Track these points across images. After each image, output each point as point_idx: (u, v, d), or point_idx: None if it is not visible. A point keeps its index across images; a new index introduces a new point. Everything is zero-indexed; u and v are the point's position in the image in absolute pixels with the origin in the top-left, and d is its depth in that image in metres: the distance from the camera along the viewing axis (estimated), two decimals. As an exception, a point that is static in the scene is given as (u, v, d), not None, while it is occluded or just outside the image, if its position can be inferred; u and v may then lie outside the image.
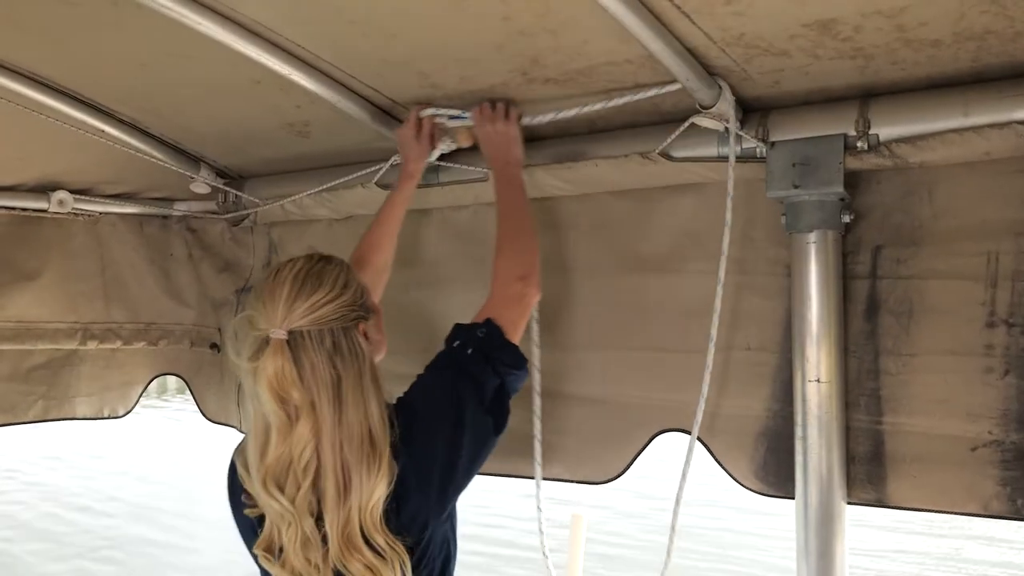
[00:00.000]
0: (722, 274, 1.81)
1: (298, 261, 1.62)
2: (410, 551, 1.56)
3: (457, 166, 2.12)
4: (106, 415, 3.01)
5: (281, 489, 1.53)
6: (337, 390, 1.53)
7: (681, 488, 1.86)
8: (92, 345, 2.76)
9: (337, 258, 1.69)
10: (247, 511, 1.61)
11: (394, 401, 1.66)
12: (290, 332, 1.52)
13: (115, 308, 2.78)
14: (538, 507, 2.15)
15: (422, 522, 1.58)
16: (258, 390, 1.53)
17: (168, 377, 3.05)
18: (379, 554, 1.51)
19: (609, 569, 8.26)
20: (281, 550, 1.55)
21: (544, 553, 2.13)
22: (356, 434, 1.52)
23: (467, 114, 1.98)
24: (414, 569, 1.57)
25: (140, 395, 3.03)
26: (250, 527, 1.62)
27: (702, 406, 1.84)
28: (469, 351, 1.68)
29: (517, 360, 1.72)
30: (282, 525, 1.54)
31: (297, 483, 1.52)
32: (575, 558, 4.76)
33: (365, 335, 1.61)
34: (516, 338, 1.75)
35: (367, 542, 1.51)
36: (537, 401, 2.12)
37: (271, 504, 1.54)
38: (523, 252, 1.85)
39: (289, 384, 1.51)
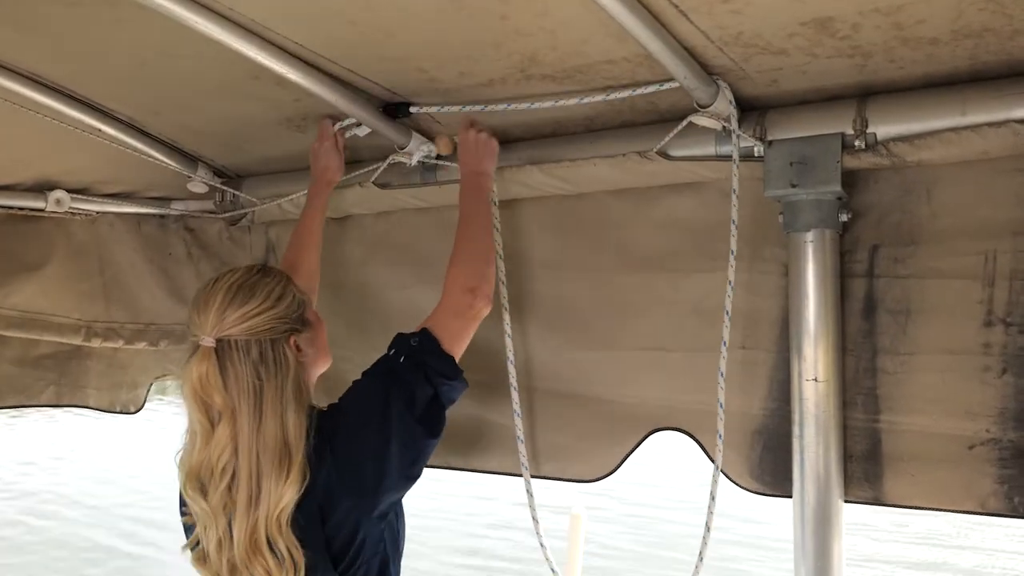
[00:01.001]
0: (731, 273, 1.81)
1: (237, 271, 1.68)
2: (343, 551, 1.61)
3: (453, 165, 2.12)
4: (118, 410, 3.03)
5: (203, 492, 1.59)
6: (259, 399, 1.58)
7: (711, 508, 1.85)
8: (96, 343, 2.76)
9: (276, 270, 1.75)
10: (183, 517, 1.68)
11: (324, 407, 1.71)
12: (218, 340, 1.59)
13: (115, 308, 2.77)
14: (531, 506, 2.14)
15: (353, 523, 1.62)
16: (184, 394, 1.60)
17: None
18: (279, 560, 1.56)
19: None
20: (207, 552, 1.62)
21: (541, 543, 2.11)
22: (271, 444, 1.57)
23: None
24: (348, 568, 1.62)
25: (147, 394, 3.04)
26: (190, 530, 1.68)
27: (721, 414, 1.82)
28: (401, 359, 1.72)
29: (451, 370, 1.74)
30: (204, 527, 1.61)
31: (216, 486, 1.58)
32: (574, 557, 4.76)
33: (297, 347, 1.67)
34: (457, 348, 1.77)
35: (270, 547, 1.56)
36: (515, 396, 2.12)
37: (194, 506, 1.61)
38: (476, 262, 1.86)
39: (213, 389, 1.57)
